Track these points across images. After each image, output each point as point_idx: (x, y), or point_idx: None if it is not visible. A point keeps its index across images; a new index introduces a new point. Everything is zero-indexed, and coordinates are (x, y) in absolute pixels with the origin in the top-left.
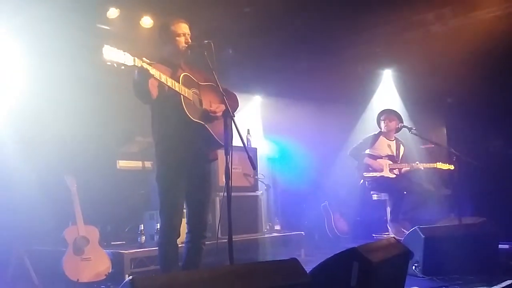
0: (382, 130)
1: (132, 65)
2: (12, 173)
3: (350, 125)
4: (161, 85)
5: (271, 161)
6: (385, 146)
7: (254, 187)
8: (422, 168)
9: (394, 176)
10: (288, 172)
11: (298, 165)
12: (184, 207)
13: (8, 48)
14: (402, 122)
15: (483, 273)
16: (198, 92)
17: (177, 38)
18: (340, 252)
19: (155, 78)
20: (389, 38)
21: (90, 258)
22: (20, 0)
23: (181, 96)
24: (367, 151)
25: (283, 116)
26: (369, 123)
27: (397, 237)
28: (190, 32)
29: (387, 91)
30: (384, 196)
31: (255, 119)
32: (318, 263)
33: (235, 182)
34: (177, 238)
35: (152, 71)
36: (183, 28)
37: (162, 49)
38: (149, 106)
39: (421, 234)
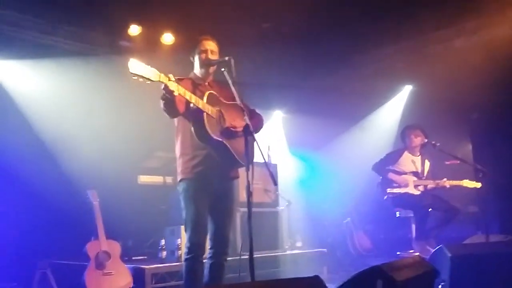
0: (407, 146)
1: (157, 81)
2: (35, 188)
3: (370, 140)
4: (187, 100)
5: (294, 177)
6: (410, 162)
7: (275, 203)
8: (448, 186)
9: (419, 192)
10: (311, 188)
11: (321, 181)
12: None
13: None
14: (427, 138)
15: None
16: (222, 110)
17: (200, 55)
18: (363, 270)
19: (180, 95)
20: (411, 53)
21: (111, 272)
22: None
23: (204, 113)
24: (391, 167)
25: (304, 132)
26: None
27: (422, 255)
28: (217, 48)
29: (400, 106)
30: (408, 213)
31: (276, 135)
32: (341, 281)
33: (256, 197)
34: (203, 255)
35: (177, 88)
36: (206, 44)
37: (194, 66)
38: (175, 120)
39: (447, 252)
